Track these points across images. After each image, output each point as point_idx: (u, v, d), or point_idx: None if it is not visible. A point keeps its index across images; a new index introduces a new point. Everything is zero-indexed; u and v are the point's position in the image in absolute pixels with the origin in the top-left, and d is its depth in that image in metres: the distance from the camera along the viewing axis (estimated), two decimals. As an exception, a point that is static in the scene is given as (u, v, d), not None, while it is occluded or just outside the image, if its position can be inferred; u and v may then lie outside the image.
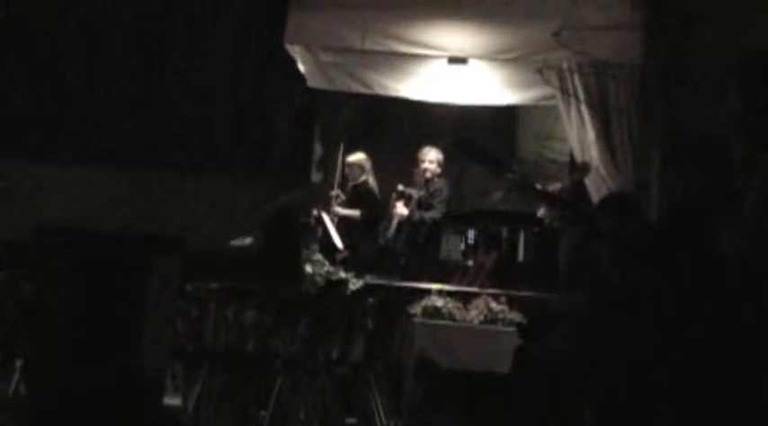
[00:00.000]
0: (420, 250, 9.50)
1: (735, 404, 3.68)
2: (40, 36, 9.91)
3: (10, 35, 9.81)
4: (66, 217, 8.26)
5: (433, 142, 9.70)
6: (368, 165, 9.96)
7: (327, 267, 8.07)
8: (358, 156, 10.02)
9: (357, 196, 9.88)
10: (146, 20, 9.99)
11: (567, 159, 9.86)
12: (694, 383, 3.74)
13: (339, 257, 8.71)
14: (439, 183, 9.61)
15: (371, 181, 9.93)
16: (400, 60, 9.08)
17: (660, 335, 3.89)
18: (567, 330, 5.25)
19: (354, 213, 9.78)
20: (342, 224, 9.67)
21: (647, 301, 4.06)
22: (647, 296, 4.09)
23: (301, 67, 9.14)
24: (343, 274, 8.01)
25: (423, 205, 9.58)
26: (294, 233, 8.51)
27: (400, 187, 9.76)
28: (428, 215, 9.49)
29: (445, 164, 9.70)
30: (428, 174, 9.60)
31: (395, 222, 9.67)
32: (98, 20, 9.98)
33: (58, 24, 9.94)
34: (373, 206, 9.86)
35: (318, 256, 8.19)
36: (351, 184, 9.97)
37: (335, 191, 10.00)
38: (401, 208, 9.65)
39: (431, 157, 9.61)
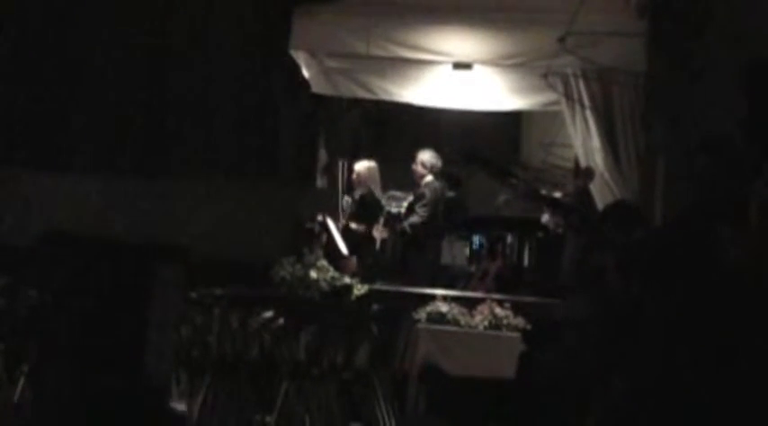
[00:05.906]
0: (413, 254, 9.46)
1: (741, 413, 3.67)
2: (43, 45, 9.96)
3: (9, 43, 9.88)
4: (73, 224, 8.27)
5: (436, 148, 9.66)
6: (370, 174, 9.81)
7: (332, 273, 8.06)
8: (362, 165, 9.87)
9: (363, 207, 9.77)
10: (150, 27, 10.03)
11: (571, 165, 9.84)
12: (699, 391, 3.73)
13: (350, 269, 8.61)
14: (422, 188, 9.54)
15: (376, 190, 9.83)
16: (405, 66, 9.07)
17: (664, 343, 3.88)
18: (571, 337, 5.24)
19: (363, 228, 9.62)
20: (346, 231, 9.59)
21: (651, 308, 4.06)
22: (650, 303, 4.09)
23: (305, 73, 9.13)
24: (347, 280, 8.01)
25: (409, 211, 9.53)
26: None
27: (393, 210, 9.71)
28: (408, 222, 9.45)
29: (450, 169, 9.69)
30: (414, 176, 9.58)
31: (378, 242, 9.60)
32: (99, 27, 10.02)
33: (61, 33, 9.98)
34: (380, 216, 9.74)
35: (323, 262, 8.18)
36: (357, 194, 9.88)
37: (346, 203, 9.90)
38: (380, 231, 9.56)
39: (416, 159, 9.59)
